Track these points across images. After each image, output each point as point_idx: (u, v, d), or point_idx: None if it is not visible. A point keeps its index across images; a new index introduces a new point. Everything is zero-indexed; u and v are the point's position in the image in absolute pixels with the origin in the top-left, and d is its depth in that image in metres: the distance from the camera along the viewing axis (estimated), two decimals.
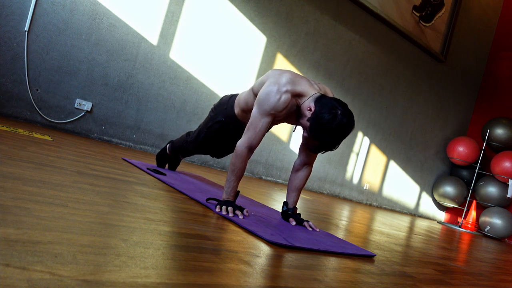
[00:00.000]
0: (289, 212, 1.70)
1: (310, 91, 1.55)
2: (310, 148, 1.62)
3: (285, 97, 1.51)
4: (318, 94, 1.54)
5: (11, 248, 0.65)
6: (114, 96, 3.16)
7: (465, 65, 6.10)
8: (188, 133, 2.19)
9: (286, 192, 3.40)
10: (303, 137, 1.71)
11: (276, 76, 1.56)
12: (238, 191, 1.61)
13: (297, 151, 4.28)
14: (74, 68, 2.97)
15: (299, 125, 1.63)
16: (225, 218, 1.43)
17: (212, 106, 2.05)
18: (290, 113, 1.61)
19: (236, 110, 1.86)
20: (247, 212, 1.54)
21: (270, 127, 1.79)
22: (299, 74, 1.62)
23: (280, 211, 2.01)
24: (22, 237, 0.71)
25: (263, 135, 1.57)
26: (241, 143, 1.55)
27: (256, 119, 1.54)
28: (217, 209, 1.49)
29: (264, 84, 1.58)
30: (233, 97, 1.92)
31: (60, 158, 1.72)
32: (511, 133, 5.40)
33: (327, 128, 1.45)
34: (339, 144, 1.51)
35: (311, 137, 1.52)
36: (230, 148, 2.06)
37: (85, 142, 2.68)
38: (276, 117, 1.58)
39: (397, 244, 2.02)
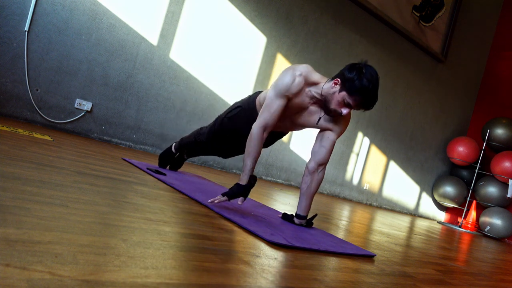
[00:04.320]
0: (304, 224, 1.69)
1: (324, 80, 1.63)
2: (356, 109, 1.60)
3: (299, 79, 1.58)
4: (330, 78, 1.64)
5: (11, 248, 0.65)
6: (114, 96, 3.16)
7: (465, 65, 6.10)
8: (201, 128, 2.20)
9: (289, 193, 3.40)
10: (319, 134, 1.72)
11: (293, 66, 1.65)
12: (255, 177, 1.60)
13: (297, 151, 4.30)
14: (74, 68, 2.97)
15: (329, 113, 1.62)
16: (226, 218, 1.43)
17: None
18: (303, 108, 1.64)
19: (257, 103, 1.88)
20: (242, 201, 1.55)
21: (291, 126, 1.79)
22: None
23: (280, 211, 2.01)
24: (22, 237, 0.71)
25: (278, 117, 1.59)
26: (256, 124, 1.58)
27: (271, 101, 1.58)
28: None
29: None
30: (257, 92, 1.95)
31: (60, 158, 1.72)
32: (511, 133, 5.40)
33: (364, 80, 1.51)
34: (377, 92, 1.55)
35: (355, 99, 1.54)
36: (239, 148, 2.06)
37: (85, 142, 2.68)
38: (290, 102, 1.60)
39: (397, 244, 2.02)
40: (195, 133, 2.19)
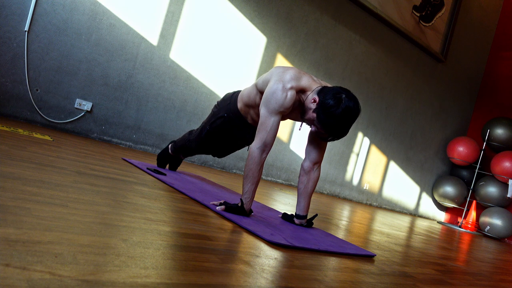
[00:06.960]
0: (304, 224, 1.68)
1: (313, 86, 1.58)
2: (321, 138, 1.60)
3: (290, 93, 1.52)
4: (320, 87, 1.56)
5: (11, 248, 0.65)
6: (114, 96, 3.16)
7: (465, 65, 6.10)
8: (191, 132, 2.18)
9: (288, 193, 3.40)
10: (310, 134, 1.71)
11: (280, 73, 1.57)
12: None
13: (297, 151, 4.29)
14: (74, 68, 2.97)
15: (303, 121, 1.63)
16: (226, 218, 1.43)
17: (215, 103, 2.05)
18: (293, 108, 1.63)
19: (239, 105, 1.85)
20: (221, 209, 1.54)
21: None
22: (302, 71, 1.63)
23: (280, 211, 2.01)
24: (22, 237, 0.71)
25: (275, 134, 1.54)
26: (254, 145, 1.52)
27: (265, 119, 1.53)
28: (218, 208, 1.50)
29: (269, 82, 1.58)
30: (236, 93, 1.93)
31: (60, 158, 1.72)
32: (511, 133, 5.40)
33: (334, 113, 1.45)
34: (349, 129, 1.51)
35: (320, 127, 1.52)
36: (232, 147, 2.06)
37: (85, 142, 2.68)
38: (283, 114, 1.59)
39: (397, 244, 2.02)
40: (185, 139, 2.18)
